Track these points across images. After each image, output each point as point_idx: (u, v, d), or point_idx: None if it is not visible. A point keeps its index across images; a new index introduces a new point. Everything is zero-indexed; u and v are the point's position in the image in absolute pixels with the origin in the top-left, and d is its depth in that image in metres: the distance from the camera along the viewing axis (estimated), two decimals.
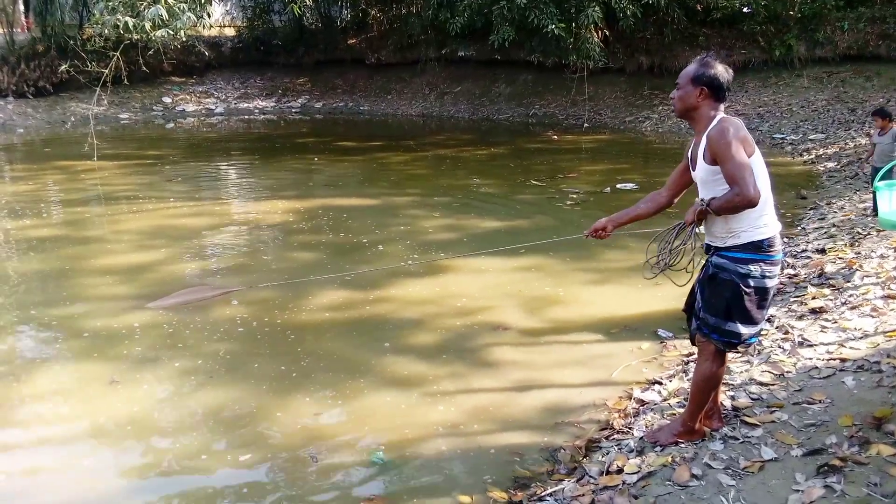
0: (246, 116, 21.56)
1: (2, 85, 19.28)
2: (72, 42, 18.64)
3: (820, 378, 3.40)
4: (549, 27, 15.16)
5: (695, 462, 2.87)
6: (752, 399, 3.33)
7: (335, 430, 3.68)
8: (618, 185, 9.60)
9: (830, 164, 10.22)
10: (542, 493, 2.98)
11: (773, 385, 3.44)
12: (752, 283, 2.78)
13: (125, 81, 18.17)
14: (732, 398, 3.37)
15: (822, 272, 5.12)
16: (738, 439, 2.97)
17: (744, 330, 2.84)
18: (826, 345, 3.79)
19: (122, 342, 4.74)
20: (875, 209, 5.81)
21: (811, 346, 3.83)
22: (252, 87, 24.19)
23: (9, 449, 3.58)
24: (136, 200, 9.41)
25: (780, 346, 3.93)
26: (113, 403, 3.95)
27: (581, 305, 5.26)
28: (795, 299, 4.73)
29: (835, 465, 2.56)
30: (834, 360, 3.57)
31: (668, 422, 3.31)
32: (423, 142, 15.64)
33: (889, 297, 4.26)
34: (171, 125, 19.79)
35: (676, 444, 3.06)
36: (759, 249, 2.77)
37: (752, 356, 3.90)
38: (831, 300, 4.50)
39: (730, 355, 3.31)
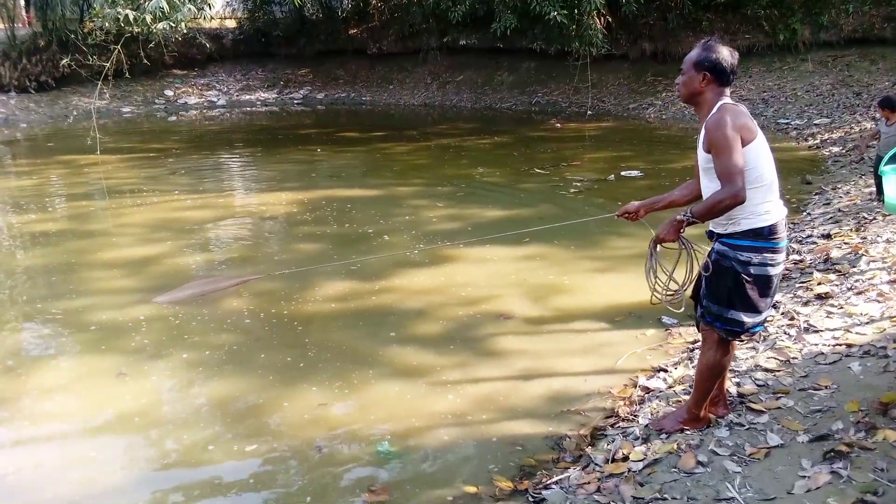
0: (248, 108, 21.51)
1: (4, 80, 19.25)
2: (73, 36, 18.60)
3: (826, 364, 3.39)
4: (552, 14, 15.05)
5: (700, 449, 2.86)
6: (758, 385, 3.32)
7: (341, 421, 3.69)
8: (622, 173, 9.56)
9: (836, 149, 10.15)
10: (548, 482, 2.99)
11: (778, 371, 3.43)
12: (753, 270, 2.75)
13: (127, 75, 18.15)
14: (738, 385, 3.37)
15: (827, 257, 5.09)
16: (744, 426, 2.96)
17: (746, 318, 2.81)
18: (832, 330, 3.78)
19: (129, 335, 4.76)
20: (879, 195, 5.82)
21: (817, 331, 3.82)
22: (254, 78, 24.12)
23: (18, 442, 3.60)
24: (140, 193, 9.41)
25: (785, 332, 3.92)
26: (121, 396, 3.97)
27: (586, 293, 5.25)
28: (801, 285, 4.71)
29: (841, 451, 2.55)
30: (840, 345, 3.55)
31: (674, 409, 3.31)
32: (426, 131, 15.59)
33: (895, 281, 4.24)
34: (174, 118, 19.76)
35: (682, 431, 3.06)
36: (759, 237, 2.73)
37: (758, 342, 3.89)
38: (837, 285, 4.48)
39: (737, 343, 3.30)
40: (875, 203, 6.17)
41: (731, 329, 2.86)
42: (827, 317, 3.98)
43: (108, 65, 14.90)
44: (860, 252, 4.98)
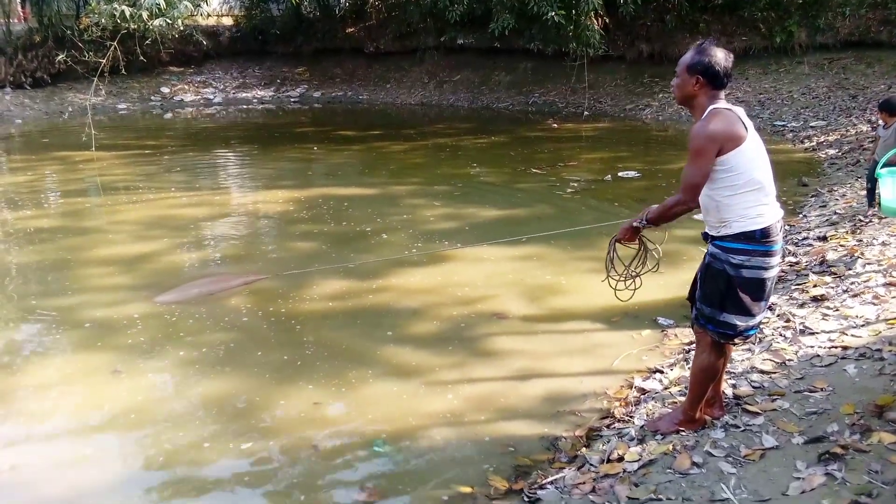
0: (244, 106, 21.47)
1: None
2: (69, 32, 18.55)
3: (821, 366, 3.39)
4: (549, 14, 15.06)
5: (696, 450, 2.87)
6: (754, 387, 3.33)
7: (337, 419, 3.69)
8: (619, 174, 9.57)
9: (832, 151, 10.18)
10: (543, 482, 2.99)
11: (774, 373, 3.43)
12: (745, 273, 2.74)
13: (123, 72, 18.08)
14: (734, 386, 3.37)
15: (823, 260, 5.10)
16: (740, 427, 2.97)
17: (738, 322, 2.81)
18: (827, 333, 3.78)
19: (124, 332, 4.74)
20: (871, 202, 5.80)
21: (813, 333, 3.82)
22: (250, 76, 24.08)
23: (12, 439, 3.58)
24: (135, 191, 9.38)
25: (781, 335, 3.93)
26: (117, 393, 3.96)
27: (582, 294, 5.25)
28: (797, 287, 4.72)
29: (836, 453, 2.56)
30: (835, 347, 3.56)
31: (669, 410, 3.31)
32: (423, 131, 15.58)
33: (891, 284, 4.25)
34: (170, 115, 19.71)
35: (677, 432, 3.06)
36: (751, 240, 2.72)
37: (754, 344, 3.89)
38: (833, 288, 4.49)
39: (732, 345, 3.30)
40: (868, 210, 6.06)
41: (723, 332, 2.86)
42: (823, 319, 3.99)
43: (104, 61, 14.86)
44: (856, 254, 5.00)
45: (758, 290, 2.78)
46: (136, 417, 3.71)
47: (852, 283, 4.45)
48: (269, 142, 14.19)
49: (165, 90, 22.21)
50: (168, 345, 4.55)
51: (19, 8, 23.63)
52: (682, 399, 3.30)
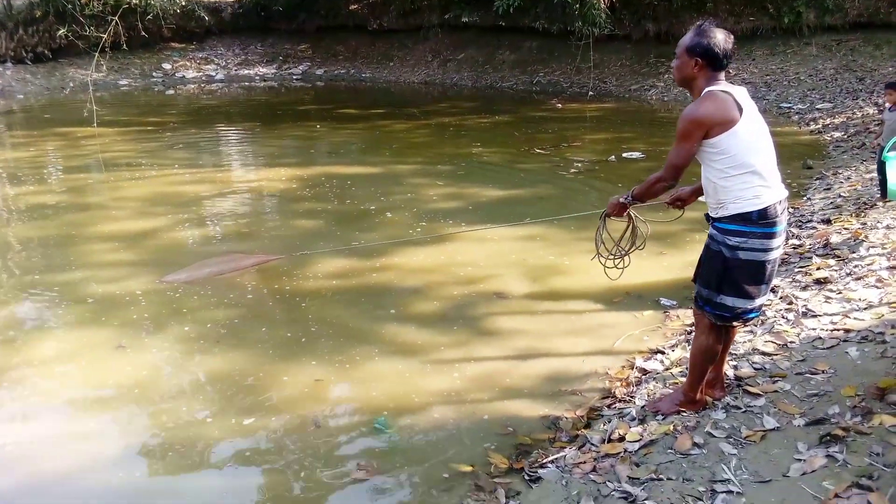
0: (246, 83, 21.35)
1: (0, 51, 19.07)
2: (70, 7, 18.39)
3: (823, 348, 3.39)
4: None
5: (697, 431, 2.88)
6: (755, 369, 3.33)
7: (339, 396, 3.71)
8: (623, 154, 9.52)
9: (837, 134, 10.11)
10: (544, 461, 3.00)
11: (776, 355, 3.43)
12: (742, 255, 2.72)
13: (124, 47, 17.99)
14: (735, 368, 3.37)
15: (827, 242, 5.09)
16: (741, 408, 2.97)
17: (736, 304, 2.79)
18: (830, 315, 3.78)
19: (128, 308, 4.76)
20: (883, 191, 5.62)
21: (815, 316, 3.82)
22: (253, 53, 23.91)
23: (17, 413, 3.61)
24: (138, 167, 9.36)
25: (783, 317, 3.92)
26: (121, 368, 3.98)
27: (585, 274, 5.24)
28: (800, 269, 4.71)
29: (837, 435, 2.56)
30: (838, 330, 3.56)
31: (671, 391, 3.32)
32: (426, 109, 15.48)
33: (894, 267, 4.23)
34: (171, 92, 19.60)
35: (678, 413, 3.07)
36: (748, 221, 2.70)
37: (756, 326, 3.89)
38: (836, 271, 4.48)
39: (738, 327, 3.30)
40: (879, 202, 5.82)
41: (720, 314, 2.84)
42: (825, 302, 3.99)
43: (105, 36, 14.75)
44: (860, 237, 4.98)
45: (756, 272, 2.75)
46: (139, 392, 3.73)
47: (856, 266, 4.44)
48: (272, 119, 14.13)
49: (167, 66, 22.07)
50: (172, 321, 4.56)
51: None
52: (683, 380, 3.30)
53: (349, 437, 3.35)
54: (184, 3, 20.17)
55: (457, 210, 7.09)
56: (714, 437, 2.80)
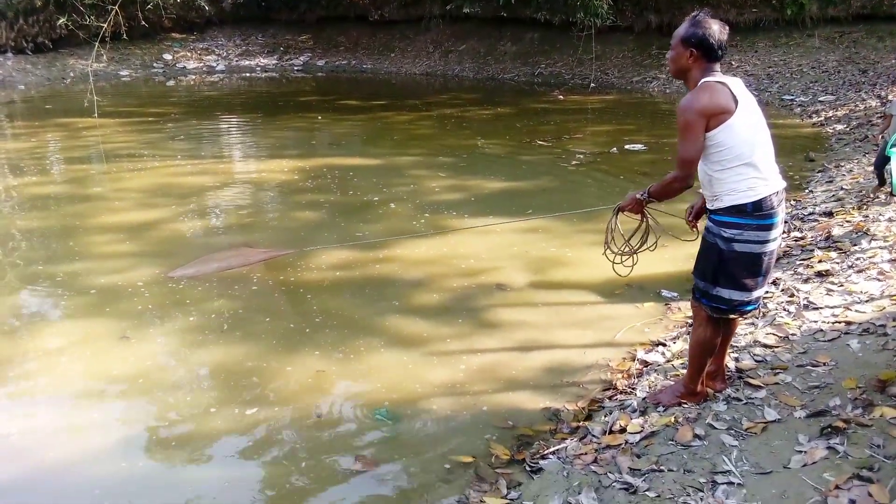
0: (247, 74, 21.31)
1: (0, 41, 19.02)
2: None
3: (825, 341, 3.40)
4: None
5: (698, 422, 2.89)
6: (757, 361, 3.34)
7: (341, 387, 3.72)
8: (626, 146, 9.51)
9: (840, 127, 10.09)
10: (545, 452, 3.01)
11: (777, 347, 3.44)
12: (737, 247, 2.72)
13: (125, 37, 17.94)
14: (736, 360, 3.38)
15: (829, 235, 5.09)
16: (742, 400, 2.98)
17: (733, 296, 2.79)
18: (831, 308, 3.78)
19: (132, 299, 4.77)
20: (881, 183, 5.63)
21: (816, 308, 3.83)
22: (253, 44, 23.85)
23: (21, 403, 3.63)
24: (139, 158, 9.35)
25: (785, 309, 3.93)
26: (125, 358, 3.99)
27: (587, 266, 5.25)
28: (801, 262, 4.72)
29: (838, 427, 2.57)
30: (839, 322, 3.57)
31: (672, 383, 3.33)
32: (428, 101, 15.46)
33: None
34: (172, 82, 19.57)
35: (679, 404, 3.08)
36: (743, 213, 2.69)
37: (757, 318, 3.90)
38: (838, 263, 4.48)
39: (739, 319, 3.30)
40: (875, 194, 5.79)
41: (716, 306, 2.84)
42: (827, 294, 3.99)
43: (105, 26, 14.69)
44: (861, 230, 4.98)
45: (752, 265, 2.75)
46: (143, 383, 3.74)
47: (857, 259, 4.45)
48: (273, 110, 14.11)
49: (168, 57, 22.03)
50: (176, 311, 4.57)
51: None
52: (685, 372, 3.31)
53: (351, 428, 3.36)
54: None
55: (459, 202, 7.09)
56: (715, 428, 2.81)
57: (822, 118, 10.97)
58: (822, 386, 2.95)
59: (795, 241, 5.27)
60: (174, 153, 9.71)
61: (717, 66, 2.75)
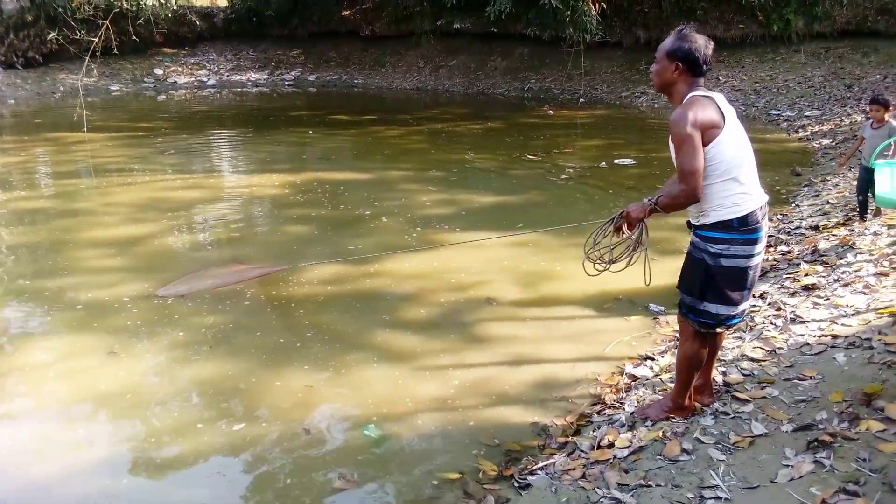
0: (238, 89, 21.34)
1: None
2: (61, 11, 18.36)
3: (811, 354, 3.42)
4: None
5: (685, 437, 2.89)
6: (744, 375, 3.35)
7: (330, 402, 3.70)
8: (616, 161, 9.56)
9: (826, 141, 10.19)
10: (534, 467, 3.00)
11: (764, 361, 3.45)
12: (723, 262, 2.73)
13: (115, 52, 17.97)
14: (724, 374, 3.39)
15: (815, 249, 5.12)
16: (729, 414, 2.99)
17: (720, 311, 2.80)
18: (818, 321, 3.80)
19: (119, 314, 4.74)
20: (862, 214, 5.53)
21: (803, 322, 3.85)
22: (245, 59, 23.93)
23: (7, 420, 3.58)
24: (129, 173, 9.33)
25: (771, 323, 3.95)
26: (114, 374, 3.97)
27: (575, 280, 5.25)
28: (788, 276, 4.74)
29: (825, 441, 2.58)
30: (825, 336, 3.58)
31: (660, 397, 3.33)
32: (418, 116, 15.52)
33: (881, 274, 4.27)
34: (163, 97, 19.57)
35: (667, 419, 3.08)
36: (729, 229, 2.70)
37: (745, 332, 3.92)
38: (824, 277, 4.51)
39: (725, 332, 3.32)
40: (857, 222, 5.54)
41: (703, 321, 2.85)
42: (813, 308, 4.01)
43: (95, 41, 14.71)
44: (847, 244, 5.02)
45: (738, 279, 2.76)
46: (131, 398, 3.71)
47: (843, 273, 4.48)
48: (264, 125, 14.12)
49: (159, 72, 22.05)
50: (165, 326, 4.55)
51: None
52: (672, 386, 3.31)
53: (339, 444, 3.34)
54: (175, 8, 20.16)
55: (450, 216, 7.10)
56: (703, 443, 2.81)
57: (809, 133, 11.09)
58: (808, 399, 2.96)
59: (782, 254, 5.30)
60: (164, 168, 9.70)
61: (702, 81, 2.77)
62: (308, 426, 3.46)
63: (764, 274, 4.92)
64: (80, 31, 17.35)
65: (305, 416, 3.54)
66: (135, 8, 17.30)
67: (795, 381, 3.16)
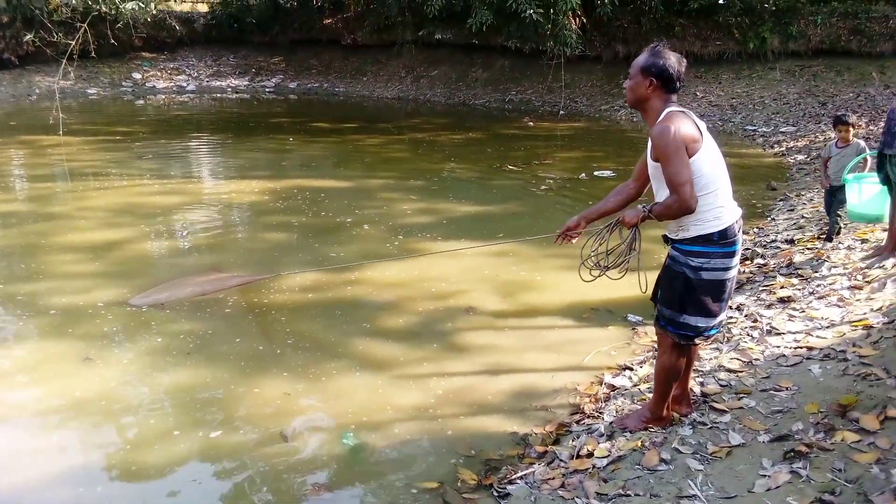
0: (218, 95, 21.20)
1: None
2: (38, 12, 18.11)
3: (787, 366, 3.46)
4: (528, 12, 15.09)
5: (664, 447, 2.90)
6: (721, 385, 3.38)
7: (309, 410, 3.67)
8: (595, 173, 9.64)
9: (800, 157, 10.37)
10: (513, 477, 3.00)
11: (741, 372, 3.49)
12: (704, 275, 2.76)
13: (93, 55, 17.73)
14: (701, 384, 3.42)
15: (790, 262, 5.20)
16: (707, 425, 3.01)
17: (699, 323, 2.84)
18: (793, 333, 3.86)
19: (94, 319, 4.67)
20: (830, 236, 5.58)
21: (779, 334, 3.90)
22: (225, 65, 23.78)
23: None
24: (105, 177, 9.22)
25: (748, 334, 4.00)
26: (88, 380, 3.90)
27: (555, 290, 5.29)
28: (764, 288, 4.81)
29: (801, 451, 2.61)
30: (801, 348, 3.63)
31: (638, 407, 3.35)
32: (399, 125, 15.53)
33: (855, 287, 4.35)
34: (141, 102, 19.38)
35: (646, 429, 3.10)
36: (709, 242, 2.74)
37: (722, 343, 3.96)
38: (799, 290, 4.58)
39: (701, 343, 3.35)
40: (825, 243, 5.48)
41: (683, 333, 2.88)
42: (789, 320, 4.07)
43: (73, 43, 14.54)
44: (822, 258, 5.10)
45: (718, 291, 2.80)
46: (106, 405, 3.65)
47: (818, 286, 4.55)
48: (243, 131, 14.04)
49: (137, 76, 21.84)
50: (142, 333, 4.48)
51: None
52: (651, 396, 3.33)
53: (316, 451, 3.31)
54: (155, 12, 19.99)
55: (430, 224, 7.10)
56: (681, 452, 2.83)
57: (784, 148, 11.27)
58: (784, 410, 3.00)
59: (758, 267, 5.37)
60: (141, 172, 9.59)
61: (675, 98, 2.79)
62: (286, 434, 3.42)
63: (740, 286, 4.99)
64: (57, 34, 17.11)
65: (284, 424, 3.50)
66: (114, 11, 17.13)
67: (772, 392, 3.20)
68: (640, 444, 2.97)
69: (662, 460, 2.81)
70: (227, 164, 10.87)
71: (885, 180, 4.68)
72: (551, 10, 15.26)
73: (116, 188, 8.58)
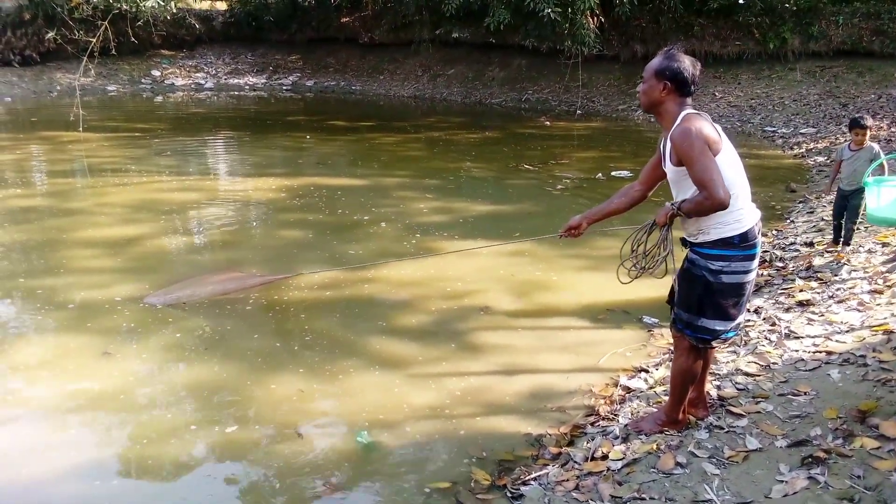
0: (236, 92, 21.32)
1: None
2: (59, 10, 18.32)
3: (806, 370, 3.42)
4: (545, 11, 15.04)
5: (680, 450, 2.89)
6: (738, 389, 3.36)
7: (323, 408, 3.68)
8: (613, 173, 9.59)
9: (820, 159, 10.25)
10: (527, 478, 3.00)
11: (759, 376, 3.46)
12: (724, 279, 2.74)
13: (113, 52, 17.93)
14: (718, 388, 3.40)
15: (810, 265, 5.15)
16: (724, 429, 2.99)
17: (717, 326, 2.82)
18: (812, 337, 3.82)
19: (114, 315, 4.71)
20: (836, 239, 5.46)
21: (798, 338, 3.86)
22: (243, 62, 23.93)
23: (0, 420, 3.56)
24: (124, 173, 9.30)
25: (766, 338, 3.96)
26: (107, 374, 3.94)
27: (570, 291, 5.27)
28: (783, 291, 4.76)
29: (819, 457, 2.58)
30: (820, 352, 3.59)
31: (654, 410, 3.33)
32: (415, 124, 15.54)
33: (875, 291, 4.29)
34: (160, 99, 19.55)
35: (661, 432, 3.08)
36: (729, 245, 2.71)
37: (739, 347, 3.93)
38: (818, 293, 4.53)
39: (717, 346, 3.32)
40: (830, 249, 5.47)
41: (701, 337, 2.86)
42: (808, 324, 4.03)
43: (93, 41, 14.69)
44: (842, 261, 5.05)
45: (737, 294, 2.78)
46: (124, 399, 3.69)
47: (838, 290, 4.50)
48: (261, 129, 14.11)
49: (156, 73, 22.03)
50: (161, 328, 4.53)
51: None
52: (667, 399, 3.31)
53: (330, 449, 3.32)
54: (175, 10, 20.16)
55: (446, 223, 7.10)
56: (697, 456, 2.81)
57: (804, 150, 11.16)
58: (802, 415, 2.97)
59: (777, 270, 5.32)
60: (160, 169, 9.67)
61: (690, 101, 2.77)
62: (301, 431, 3.44)
63: (759, 289, 4.94)
64: (78, 31, 17.31)
65: (299, 421, 3.52)
66: (134, 9, 17.29)
67: (790, 396, 3.16)
68: (655, 447, 2.96)
69: (678, 464, 2.79)
70: (244, 162, 10.93)
71: None
72: (569, 9, 15.20)
73: (135, 184, 8.66)
